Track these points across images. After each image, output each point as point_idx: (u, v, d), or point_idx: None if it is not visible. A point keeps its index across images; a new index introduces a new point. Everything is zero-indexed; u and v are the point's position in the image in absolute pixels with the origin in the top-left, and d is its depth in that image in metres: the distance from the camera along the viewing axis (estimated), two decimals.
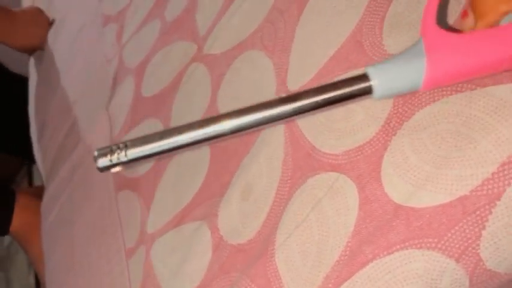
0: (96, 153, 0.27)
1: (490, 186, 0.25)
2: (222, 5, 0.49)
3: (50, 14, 0.92)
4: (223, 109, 0.44)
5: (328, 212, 0.31)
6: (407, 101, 0.30)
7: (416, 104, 0.29)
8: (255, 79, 0.42)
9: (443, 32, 0.26)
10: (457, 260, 0.26)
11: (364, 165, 0.31)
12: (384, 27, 0.33)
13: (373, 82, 0.27)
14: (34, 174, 1.63)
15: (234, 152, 0.41)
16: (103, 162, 0.27)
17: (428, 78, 0.26)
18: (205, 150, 0.43)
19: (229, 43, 0.46)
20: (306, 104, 0.27)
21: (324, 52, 0.36)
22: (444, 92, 0.28)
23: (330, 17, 0.37)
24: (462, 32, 0.26)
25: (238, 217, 0.37)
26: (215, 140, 0.28)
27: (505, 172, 0.25)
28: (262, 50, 0.42)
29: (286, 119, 0.28)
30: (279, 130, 0.37)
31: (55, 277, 0.61)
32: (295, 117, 0.28)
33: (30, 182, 1.63)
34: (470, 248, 0.26)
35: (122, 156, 0.27)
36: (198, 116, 0.46)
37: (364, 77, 0.27)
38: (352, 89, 0.27)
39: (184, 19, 0.54)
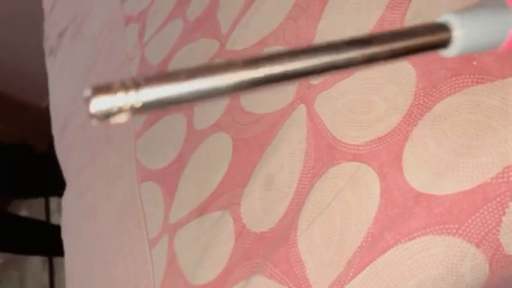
0: (88, 92, 0.17)
1: (510, 174, 0.26)
2: (244, 3, 0.51)
3: (72, 13, 0.94)
4: (245, 104, 0.45)
5: (350, 200, 0.32)
6: (428, 93, 0.31)
7: (437, 96, 0.30)
8: None
9: None
10: (477, 246, 0.27)
11: (385, 155, 0.32)
12: (404, 24, 0.34)
13: (455, 33, 0.22)
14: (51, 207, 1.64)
15: (256, 143, 0.42)
16: (100, 104, 0.17)
17: None
18: (227, 143, 0.45)
19: (252, 40, 0.47)
20: (377, 51, 0.22)
21: None
22: (465, 83, 0.29)
23: (351, 13, 0.38)
24: None
25: (261, 206, 0.39)
26: (262, 87, 0.20)
27: None
28: (284, 46, 0.43)
29: (349, 67, 0.22)
30: (301, 121, 0.38)
31: (77, 268, 0.63)
32: (361, 66, 0.22)
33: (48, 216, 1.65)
34: (490, 234, 0.27)
35: (131, 98, 0.17)
36: (220, 110, 0.47)
37: (443, 26, 0.22)
38: (430, 39, 0.22)
39: (206, 18, 0.56)
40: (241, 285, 0.37)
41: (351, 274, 0.30)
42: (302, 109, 0.39)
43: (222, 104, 0.48)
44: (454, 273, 0.28)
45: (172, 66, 0.57)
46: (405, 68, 0.33)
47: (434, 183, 0.29)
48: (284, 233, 0.36)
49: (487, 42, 0.23)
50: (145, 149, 0.55)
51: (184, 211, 0.46)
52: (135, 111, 0.17)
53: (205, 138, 0.48)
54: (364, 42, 0.21)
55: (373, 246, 0.30)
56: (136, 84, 0.17)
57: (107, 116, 0.17)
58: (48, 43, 1.04)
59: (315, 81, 0.39)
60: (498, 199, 0.26)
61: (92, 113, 0.16)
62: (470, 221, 0.27)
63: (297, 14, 0.43)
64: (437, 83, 0.31)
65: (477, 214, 0.27)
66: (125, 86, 0.17)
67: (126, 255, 0.53)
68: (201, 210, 0.44)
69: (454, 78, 0.30)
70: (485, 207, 0.27)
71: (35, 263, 1.67)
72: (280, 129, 0.40)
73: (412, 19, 0.34)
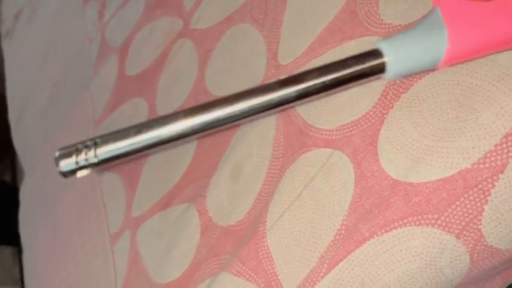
0: (57, 153, 0.21)
1: (492, 159, 0.24)
2: None
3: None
4: (211, 87, 0.42)
5: (322, 190, 0.30)
6: None
7: (414, 75, 0.28)
8: (244, 54, 0.40)
9: (461, 1, 0.23)
10: (458, 237, 0.25)
11: (359, 140, 0.29)
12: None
13: (387, 58, 0.23)
14: (17, 167, 1.58)
15: (222, 132, 0.39)
16: (67, 165, 0.21)
17: (449, 53, 0.23)
18: None
19: (217, 17, 0.44)
20: (310, 87, 0.23)
21: (317, 23, 0.34)
22: None
23: None
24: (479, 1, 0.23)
25: (228, 198, 0.36)
26: (204, 133, 0.23)
27: (508, 144, 0.24)
28: (251, 23, 0.40)
29: (287, 105, 0.23)
30: None
31: (36, 267, 0.59)
32: (297, 102, 0.23)
33: (14, 176, 1.57)
34: (471, 224, 0.25)
35: (91, 156, 0.21)
36: (184, 94, 0.44)
37: (376, 53, 0.23)
38: (363, 67, 0.23)
39: None
40: (207, 284, 0.34)
41: (323, 270, 0.28)
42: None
43: (187, 86, 0.44)
44: (432, 267, 0.26)
45: (134, 48, 0.53)
46: None
47: (412, 171, 0.26)
48: (252, 227, 0.33)
49: (423, 63, 0.24)
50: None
51: (147, 204, 0.43)
52: (94, 166, 0.22)
53: None
54: (298, 80, 0.23)
55: (348, 239, 0.28)
56: (95, 144, 0.21)
57: (72, 173, 0.22)
58: (4, 26, 0.97)
59: (285, 60, 0.36)
60: (480, 186, 0.24)
61: (60, 171, 0.22)
62: (450, 210, 0.25)
63: None
64: None
65: (457, 203, 0.25)
66: (86, 146, 0.21)
67: (87, 252, 0.49)
68: (165, 203, 0.41)
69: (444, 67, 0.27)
70: (466, 196, 0.25)
71: (5, 256, 1.60)
72: None
73: None
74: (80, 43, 0.66)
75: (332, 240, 0.28)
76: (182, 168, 0.41)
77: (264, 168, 0.34)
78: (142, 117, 0.47)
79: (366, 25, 0.31)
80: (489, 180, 0.24)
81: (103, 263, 0.46)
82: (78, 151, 0.21)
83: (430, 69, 0.24)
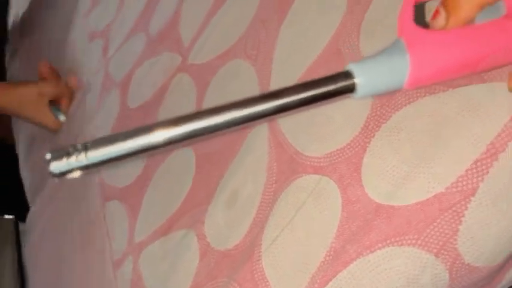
0: (48, 155, 0.22)
1: (464, 183, 0.26)
2: (204, 17, 0.50)
3: (33, 29, 0.92)
4: None
5: (313, 214, 0.32)
6: (384, 104, 0.31)
7: (393, 106, 0.30)
8: (239, 87, 0.43)
9: (422, 30, 0.26)
10: (436, 255, 0.27)
11: (345, 167, 0.32)
12: (360, 34, 0.34)
13: (357, 79, 0.25)
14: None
15: (219, 160, 0.41)
16: (58, 166, 0.22)
17: (412, 76, 0.25)
18: (190, 159, 0.44)
19: (213, 53, 0.47)
20: (287, 102, 0.25)
21: (304, 60, 0.37)
22: (419, 94, 0.30)
23: (309, 26, 0.38)
24: (438, 30, 0.26)
25: (225, 223, 0.38)
26: (191, 141, 0.24)
27: (478, 168, 0.26)
28: (245, 59, 0.43)
29: (266, 117, 0.25)
30: (263, 136, 0.38)
31: None
32: (275, 115, 0.25)
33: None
34: (448, 243, 0.27)
35: (82, 159, 0.22)
36: None
37: (347, 74, 0.26)
38: (335, 87, 0.25)
39: (168, 31, 0.55)
40: None
41: None
42: (264, 124, 0.39)
43: None
44: (415, 284, 0.28)
45: (135, 81, 0.56)
46: None
47: (393, 195, 0.29)
48: (248, 250, 0.35)
49: (390, 84, 0.26)
50: (109, 168, 0.54)
51: (149, 230, 0.45)
52: (84, 169, 0.22)
53: (169, 154, 0.47)
54: (276, 95, 0.25)
55: (336, 260, 0.30)
56: (85, 147, 0.22)
57: (63, 174, 0.22)
58: (10, 45, 1.01)
59: None
60: (454, 208, 0.27)
61: (51, 172, 0.21)
62: (428, 231, 0.27)
63: (257, 27, 0.43)
64: (393, 94, 0.31)
65: (434, 224, 0.27)
66: (76, 150, 0.21)
67: (91, 279, 0.51)
68: (166, 229, 0.43)
69: (409, 89, 0.30)
70: (441, 217, 0.27)
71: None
72: (243, 143, 0.40)
73: (367, 30, 0.34)
74: (84, 78, 0.70)
75: (322, 261, 0.30)
76: (182, 195, 0.43)
77: (259, 194, 0.36)
78: None
79: (349, 60, 0.34)
80: (462, 202, 0.26)
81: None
82: (69, 154, 0.22)
83: (397, 90, 0.26)
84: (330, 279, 0.30)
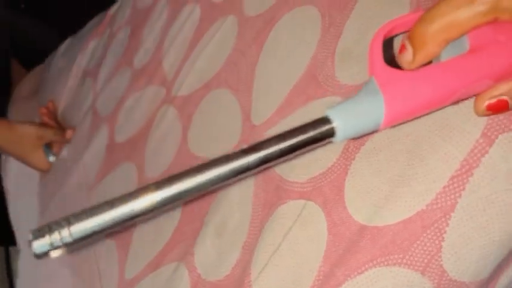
0: (30, 235, 0.21)
1: (443, 200, 0.27)
2: (186, 50, 0.52)
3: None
4: (194, 149, 0.45)
5: (299, 239, 0.32)
6: None
7: None
8: (222, 116, 0.43)
9: (392, 70, 0.26)
10: (423, 273, 0.27)
11: (328, 190, 0.32)
12: (335, 61, 0.36)
13: (335, 124, 0.26)
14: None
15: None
16: (40, 246, 0.21)
17: (388, 115, 0.26)
18: None
19: (196, 84, 0.48)
20: (269, 153, 0.25)
21: (283, 87, 0.38)
22: None
23: (286, 54, 0.40)
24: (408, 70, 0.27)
25: (214, 253, 0.38)
26: (177, 203, 0.24)
27: (455, 185, 0.27)
28: (227, 88, 0.44)
29: (250, 171, 0.25)
30: None
31: None
32: (259, 168, 0.25)
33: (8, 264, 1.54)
34: (433, 260, 0.27)
35: (65, 236, 0.21)
36: (170, 156, 0.47)
37: (325, 120, 0.26)
38: (314, 133, 0.26)
39: (152, 66, 0.56)
40: None
41: None
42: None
43: (172, 149, 0.47)
44: None
45: (122, 116, 0.57)
46: None
47: (376, 215, 0.29)
48: (239, 280, 0.35)
49: (367, 126, 0.26)
50: (97, 203, 0.54)
51: (140, 266, 0.45)
52: (69, 246, 0.21)
53: None
54: (257, 148, 0.25)
55: (325, 284, 0.30)
56: (68, 222, 0.21)
57: (46, 254, 0.21)
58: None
59: (258, 121, 0.39)
60: (436, 225, 0.27)
61: (35, 254, 0.20)
62: (412, 249, 0.27)
63: (237, 58, 0.44)
64: None
65: (418, 242, 0.27)
66: (59, 226, 0.21)
67: None
68: (156, 264, 0.43)
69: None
70: (424, 235, 0.27)
71: None
72: None
73: (341, 57, 0.35)
74: (76, 117, 0.70)
75: (311, 286, 0.30)
76: (171, 229, 0.43)
77: (247, 222, 0.36)
78: (132, 181, 0.50)
79: (325, 87, 0.35)
80: (443, 219, 0.27)
81: None
82: (51, 231, 0.21)
83: (375, 130, 0.27)
84: None
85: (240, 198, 0.37)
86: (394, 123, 0.26)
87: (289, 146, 0.25)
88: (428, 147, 0.28)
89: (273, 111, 0.38)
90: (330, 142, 0.26)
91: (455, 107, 0.28)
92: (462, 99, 0.27)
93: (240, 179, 0.25)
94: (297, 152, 0.25)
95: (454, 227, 0.27)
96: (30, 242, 0.21)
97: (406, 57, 0.26)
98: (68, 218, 0.21)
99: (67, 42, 0.86)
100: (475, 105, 0.26)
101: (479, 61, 0.25)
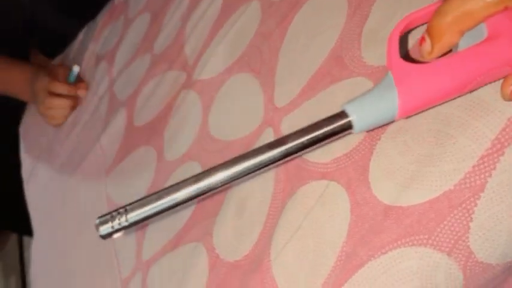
0: (97, 221, 0.27)
1: (472, 179, 0.26)
2: (208, 35, 0.52)
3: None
4: (214, 132, 0.45)
5: (321, 219, 0.32)
6: None
7: None
8: (244, 100, 0.43)
9: (407, 64, 0.27)
10: (449, 254, 0.27)
11: (352, 171, 0.32)
12: (361, 42, 0.35)
13: (352, 117, 0.28)
14: (24, 243, 1.57)
15: None
16: (105, 229, 0.27)
17: (402, 108, 0.27)
18: (197, 171, 0.44)
19: (218, 68, 0.48)
20: (293, 147, 0.28)
21: (307, 69, 0.38)
22: None
23: (311, 37, 0.39)
24: (425, 62, 0.27)
25: (233, 234, 0.38)
26: (210, 193, 0.29)
27: (485, 164, 0.26)
28: (249, 72, 0.44)
29: (276, 163, 0.29)
30: None
31: None
32: (284, 160, 0.29)
33: (21, 252, 1.57)
34: (460, 241, 0.27)
35: (123, 221, 0.27)
36: (190, 140, 0.47)
37: (342, 114, 0.28)
38: (333, 127, 0.28)
39: (173, 51, 0.56)
40: None
41: None
42: (269, 132, 0.39)
43: (192, 133, 0.47)
44: (429, 285, 0.27)
45: (141, 100, 0.57)
46: (366, 84, 0.34)
47: (401, 195, 0.29)
48: (258, 260, 0.35)
49: (383, 118, 0.28)
50: (116, 184, 0.54)
51: (157, 246, 0.45)
52: (126, 228, 0.27)
53: (175, 169, 0.47)
54: (281, 143, 0.28)
55: (347, 264, 0.29)
56: (125, 211, 0.27)
57: (109, 235, 0.27)
58: None
59: (281, 103, 0.39)
60: (464, 205, 0.27)
61: (101, 235, 0.27)
62: (439, 229, 0.27)
63: (260, 41, 0.44)
64: None
65: (445, 222, 0.27)
66: (118, 214, 0.27)
67: None
68: (174, 244, 0.43)
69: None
70: (452, 215, 0.27)
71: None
72: None
73: (368, 38, 0.35)
74: (91, 102, 0.71)
75: (333, 266, 0.30)
76: (189, 210, 0.43)
77: (267, 202, 0.36)
78: (151, 164, 0.50)
79: (351, 68, 0.35)
80: (471, 199, 0.26)
81: None
82: (113, 218, 0.27)
83: (391, 121, 0.29)
84: (342, 284, 0.29)
85: (260, 178, 0.37)
86: (409, 114, 0.28)
87: (310, 139, 0.28)
88: (458, 126, 0.28)
89: (297, 93, 0.38)
90: (349, 133, 0.28)
91: (486, 86, 0.28)
92: (479, 87, 0.27)
93: (265, 171, 0.30)
94: (318, 145, 0.28)
95: (483, 208, 0.26)
96: (97, 227, 0.27)
97: (425, 48, 0.27)
98: (126, 208, 0.28)
99: (85, 30, 0.87)
100: (501, 91, 0.26)
101: (496, 48, 0.25)
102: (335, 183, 0.32)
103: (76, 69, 0.74)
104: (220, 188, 0.28)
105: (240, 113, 0.43)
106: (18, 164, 0.86)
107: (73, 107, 0.74)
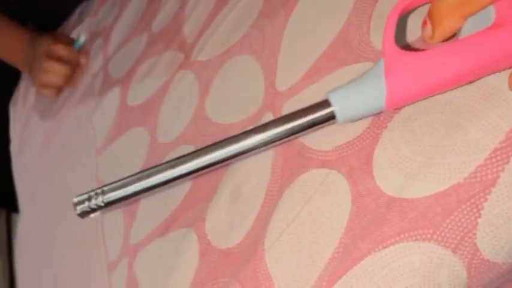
0: (75, 200, 0.28)
1: (483, 173, 0.25)
2: (208, 15, 0.50)
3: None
4: (211, 114, 0.43)
5: (320, 209, 0.30)
6: None
7: None
8: (243, 83, 0.41)
9: (401, 51, 0.25)
10: (454, 251, 0.25)
11: (355, 160, 0.30)
12: (371, 26, 0.33)
13: (335, 107, 0.27)
14: (12, 221, 1.55)
15: None
16: (82, 208, 0.28)
17: (389, 98, 0.25)
18: None
19: (217, 50, 0.46)
20: (271, 135, 0.28)
21: (312, 52, 0.36)
22: None
23: (317, 19, 0.38)
24: (420, 50, 0.25)
25: (227, 220, 0.36)
26: (187, 178, 0.29)
27: (498, 158, 0.25)
28: (250, 54, 0.42)
29: (253, 151, 0.29)
30: None
31: None
32: (262, 148, 0.29)
33: (9, 230, 1.55)
34: (466, 238, 0.25)
35: (100, 201, 0.28)
36: (185, 122, 0.45)
37: (325, 103, 0.27)
38: (314, 117, 0.27)
39: (171, 30, 0.54)
40: None
41: None
42: (269, 117, 0.37)
43: (187, 115, 0.45)
44: (431, 282, 0.26)
45: (136, 80, 0.55)
46: None
47: (406, 187, 0.27)
48: (251, 248, 0.33)
49: (369, 108, 0.27)
50: (107, 166, 0.52)
51: (146, 230, 0.43)
52: (103, 208, 0.28)
53: (169, 152, 0.45)
54: (261, 129, 0.28)
55: (346, 256, 0.28)
56: (102, 192, 0.28)
57: (86, 214, 0.29)
58: None
59: (282, 87, 0.37)
60: (472, 200, 0.25)
61: (78, 214, 0.29)
62: (445, 225, 0.26)
63: (263, 23, 0.42)
64: None
65: (452, 217, 0.25)
66: (96, 194, 0.28)
67: (84, 282, 0.48)
68: (164, 228, 0.41)
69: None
70: (459, 210, 0.25)
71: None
72: None
73: (378, 22, 0.33)
74: (85, 80, 0.69)
75: (330, 259, 0.29)
76: (182, 194, 0.41)
77: (263, 189, 0.35)
78: (143, 146, 0.48)
79: (359, 52, 0.33)
80: (481, 194, 0.25)
81: None
82: (89, 198, 0.28)
83: (379, 112, 0.27)
84: (340, 277, 0.28)
85: (258, 163, 0.36)
86: (398, 105, 0.26)
87: (290, 129, 0.28)
88: (470, 117, 0.26)
89: (299, 77, 0.36)
90: (333, 123, 0.27)
91: (502, 74, 0.26)
92: (483, 76, 0.25)
93: (242, 158, 0.29)
94: (299, 134, 0.28)
95: (492, 203, 0.25)
96: (74, 206, 0.28)
97: (426, 32, 0.25)
98: (103, 189, 0.28)
99: (82, 6, 0.84)
100: (509, 82, 0.24)
101: (502, 36, 0.23)
102: (336, 172, 0.31)
103: (83, 36, 0.71)
104: (198, 173, 0.29)
105: (238, 96, 0.41)
106: (7, 140, 0.83)
107: (68, 81, 0.71)
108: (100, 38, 0.69)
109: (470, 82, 0.26)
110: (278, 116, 0.36)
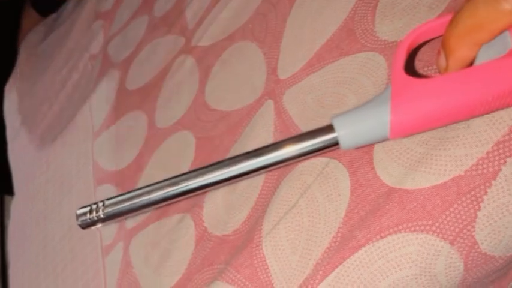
0: (77, 212, 0.29)
1: (485, 166, 0.25)
2: (211, 0, 0.49)
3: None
4: (210, 101, 0.43)
5: (319, 198, 0.30)
6: None
7: None
8: (244, 69, 0.41)
9: (409, 78, 0.24)
10: (452, 243, 0.25)
11: (355, 150, 0.30)
12: (376, 15, 0.33)
13: (338, 133, 0.26)
14: (6, 205, 1.54)
15: (221, 142, 0.39)
16: (83, 220, 0.29)
17: (394, 127, 0.24)
18: (190, 142, 0.42)
19: (219, 35, 0.45)
20: (271, 159, 0.27)
21: (315, 41, 0.36)
22: (436, 72, 0.28)
23: (321, 7, 0.37)
24: (430, 77, 0.24)
25: (224, 207, 0.36)
26: (186, 196, 0.29)
27: (500, 151, 0.25)
28: (252, 41, 0.41)
29: (254, 174, 0.28)
30: (268, 117, 0.36)
31: (23, 280, 0.58)
32: (263, 171, 0.28)
33: (2, 214, 1.54)
34: (465, 230, 0.25)
35: (100, 214, 0.29)
36: (184, 108, 0.45)
37: (330, 128, 0.26)
38: (317, 142, 0.26)
39: (173, 14, 0.53)
40: None
41: (319, 277, 0.28)
42: (270, 105, 0.37)
43: (187, 100, 0.45)
44: (427, 274, 0.26)
45: (136, 64, 0.54)
46: (376, 60, 0.31)
47: (406, 178, 0.27)
48: (248, 235, 0.33)
49: (373, 136, 0.25)
50: (104, 150, 0.52)
51: (142, 215, 0.43)
52: (103, 221, 0.29)
53: (167, 137, 0.45)
54: (261, 153, 0.28)
55: (343, 246, 0.28)
56: (104, 205, 0.29)
57: (87, 226, 0.30)
58: None
59: (284, 75, 0.37)
60: (473, 193, 0.25)
61: (80, 226, 0.29)
62: (444, 216, 0.26)
63: (266, 9, 0.42)
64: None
65: (451, 209, 0.25)
66: (97, 207, 0.29)
67: (77, 265, 0.48)
68: (160, 214, 0.41)
69: (425, 69, 0.29)
70: (459, 202, 0.25)
71: None
72: (246, 126, 0.38)
73: (383, 11, 0.33)
74: (83, 59, 0.68)
75: (327, 248, 0.29)
76: None
77: (262, 177, 0.34)
78: (141, 130, 0.48)
79: (363, 42, 0.33)
80: (482, 186, 0.25)
81: (94, 276, 0.45)
82: (91, 211, 0.29)
83: (384, 140, 0.26)
84: (336, 266, 0.28)
85: None
86: (404, 135, 0.25)
87: (291, 153, 0.27)
88: None
89: (302, 65, 0.36)
90: (338, 148, 0.26)
91: None
92: (501, 108, 0.24)
93: (238, 181, 0.29)
94: (300, 159, 0.27)
95: (493, 196, 0.25)
96: (77, 217, 0.29)
97: (440, 63, 0.25)
98: (104, 202, 0.29)
99: None
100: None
101: None
102: (336, 161, 0.30)
103: None
104: (196, 193, 0.29)
105: (239, 83, 0.41)
106: (2, 123, 0.82)
107: None
108: (101, 19, 0.68)
109: (483, 114, 0.24)
110: (279, 104, 0.36)
